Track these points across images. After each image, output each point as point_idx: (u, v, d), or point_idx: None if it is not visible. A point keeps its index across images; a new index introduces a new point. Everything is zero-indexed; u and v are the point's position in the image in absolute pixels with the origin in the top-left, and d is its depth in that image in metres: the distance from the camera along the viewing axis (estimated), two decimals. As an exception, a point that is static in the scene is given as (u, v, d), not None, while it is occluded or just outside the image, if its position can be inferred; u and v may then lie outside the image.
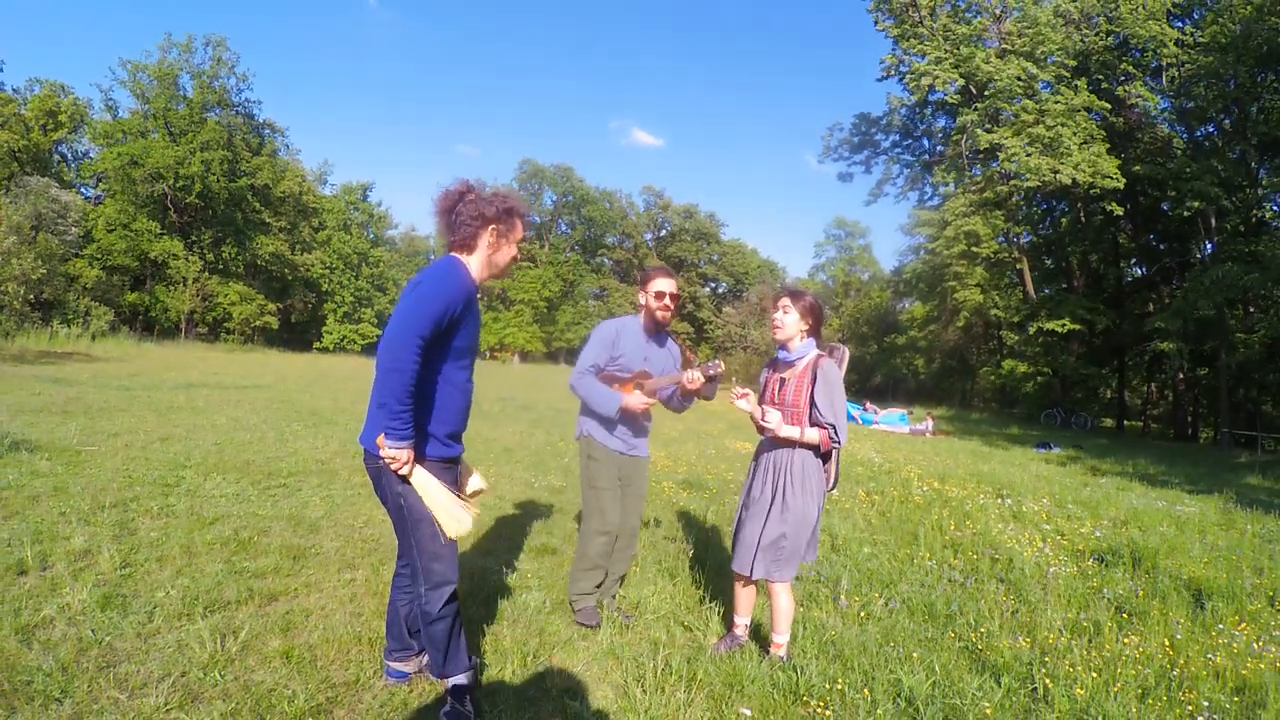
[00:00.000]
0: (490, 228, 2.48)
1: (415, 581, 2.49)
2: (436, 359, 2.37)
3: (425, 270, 2.46)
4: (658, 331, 3.50)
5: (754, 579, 3.06)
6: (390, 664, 2.68)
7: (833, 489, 3.14)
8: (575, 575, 3.45)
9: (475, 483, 2.68)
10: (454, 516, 2.42)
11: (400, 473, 2.35)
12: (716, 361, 3.31)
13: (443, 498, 2.40)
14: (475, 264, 2.50)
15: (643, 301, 3.45)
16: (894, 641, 3.34)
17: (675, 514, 5.85)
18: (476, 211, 2.46)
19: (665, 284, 3.41)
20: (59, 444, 6.35)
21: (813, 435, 2.96)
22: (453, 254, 2.51)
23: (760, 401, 3.17)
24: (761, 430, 3.08)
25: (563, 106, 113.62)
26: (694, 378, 3.25)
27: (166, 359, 21.52)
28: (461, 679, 2.50)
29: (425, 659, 2.70)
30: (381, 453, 2.32)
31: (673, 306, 3.42)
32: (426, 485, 2.39)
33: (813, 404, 2.98)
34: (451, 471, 2.51)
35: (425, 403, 2.38)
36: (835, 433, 2.93)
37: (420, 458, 2.39)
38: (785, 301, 3.07)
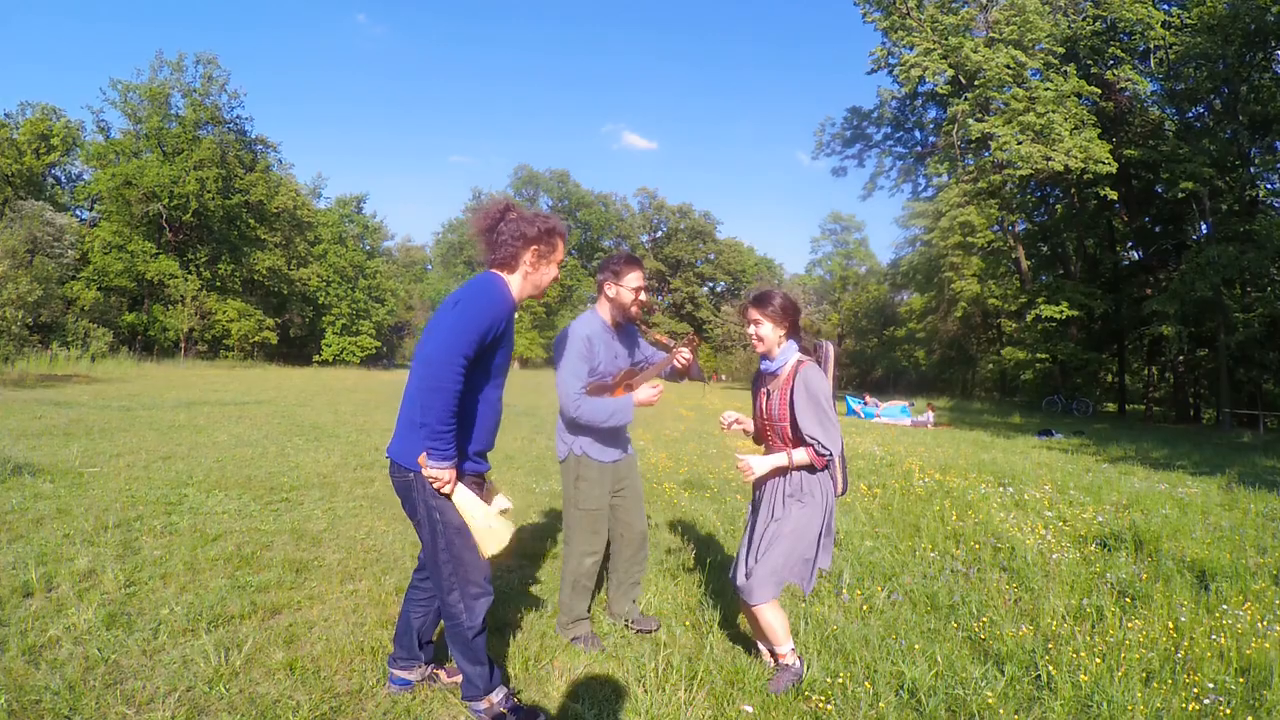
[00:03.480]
0: (532, 248, 2.45)
1: (445, 595, 2.42)
2: (477, 377, 2.34)
3: (465, 287, 2.41)
4: (623, 324, 3.27)
5: (743, 600, 2.88)
6: (395, 671, 2.69)
7: (842, 494, 2.98)
8: (565, 600, 3.23)
9: (501, 502, 2.62)
10: (494, 533, 2.37)
11: (443, 491, 2.31)
12: (689, 335, 3.17)
13: (482, 516, 2.37)
14: (515, 283, 2.46)
15: (611, 294, 3.18)
16: (896, 634, 3.35)
17: (676, 514, 5.86)
18: (518, 231, 2.43)
19: (638, 277, 3.17)
20: (61, 466, 6.37)
21: (800, 457, 2.77)
22: (493, 270, 2.47)
23: (755, 412, 3.01)
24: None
25: (554, 113, 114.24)
26: (686, 358, 3.13)
27: (167, 378, 21.57)
28: (503, 690, 2.49)
29: (429, 668, 2.71)
30: (424, 472, 2.29)
31: (646, 299, 3.26)
32: (467, 504, 2.35)
33: (793, 419, 2.78)
34: (478, 487, 2.47)
35: (461, 420, 2.32)
36: (820, 445, 2.73)
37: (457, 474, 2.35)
38: (754, 314, 2.86)
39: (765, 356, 2.92)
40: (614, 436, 3.25)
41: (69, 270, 30.22)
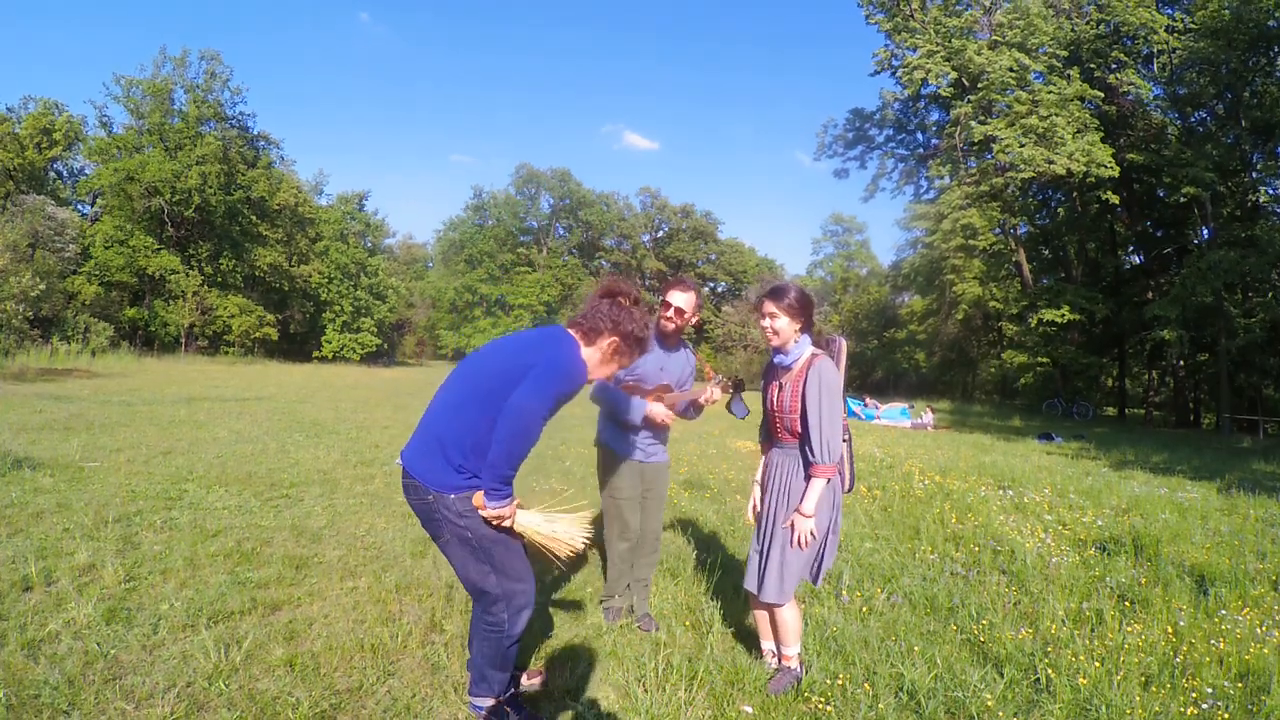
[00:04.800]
0: (614, 339, 2.48)
1: (490, 605, 2.43)
2: None
3: (550, 339, 2.45)
4: (669, 342, 3.48)
5: (764, 601, 2.89)
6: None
7: (849, 490, 2.96)
8: (608, 579, 3.59)
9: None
10: (569, 537, 2.44)
11: (503, 525, 2.35)
12: (738, 378, 3.30)
13: (549, 528, 2.42)
14: (588, 355, 2.50)
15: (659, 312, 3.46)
16: (895, 636, 3.35)
17: (677, 514, 5.86)
18: (618, 317, 2.47)
19: (675, 297, 3.39)
20: (61, 460, 6.37)
21: (817, 489, 2.73)
22: (572, 330, 2.51)
23: (764, 404, 3.00)
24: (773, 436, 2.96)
25: (556, 113, 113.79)
26: (712, 396, 3.30)
27: (167, 373, 21.55)
28: (510, 691, 2.55)
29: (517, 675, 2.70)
30: (485, 513, 2.31)
31: (678, 321, 3.38)
32: (530, 524, 2.41)
33: (804, 412, 2.75)
34: None
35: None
36: (822, 451, 2.70)
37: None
38: (770, 307, 2.83)
39: (779, 350, 2.87)
40: (637, 439, 3.45)
41: (70, 265, 30.19)
